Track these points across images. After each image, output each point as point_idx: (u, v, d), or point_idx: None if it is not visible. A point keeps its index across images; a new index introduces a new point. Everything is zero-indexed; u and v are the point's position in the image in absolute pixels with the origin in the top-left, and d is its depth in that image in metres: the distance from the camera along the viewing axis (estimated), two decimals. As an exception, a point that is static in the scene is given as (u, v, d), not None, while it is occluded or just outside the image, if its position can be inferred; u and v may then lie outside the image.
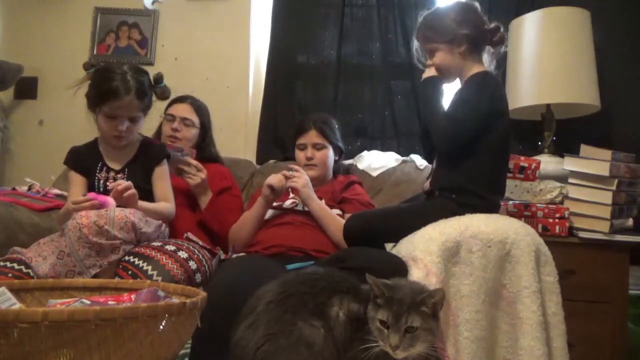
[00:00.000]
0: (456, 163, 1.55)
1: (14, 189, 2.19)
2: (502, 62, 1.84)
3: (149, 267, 1.51)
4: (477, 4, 1.63)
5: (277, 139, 2.66)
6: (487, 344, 1.34)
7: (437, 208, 1.53)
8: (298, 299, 1.08)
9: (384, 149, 2.55)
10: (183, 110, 2.11)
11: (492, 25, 1.62)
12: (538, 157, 2.05)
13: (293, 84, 2.73)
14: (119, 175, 1.78)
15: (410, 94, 2.60)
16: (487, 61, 1.65)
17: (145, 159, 1.82)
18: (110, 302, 1.15)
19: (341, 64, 2.68)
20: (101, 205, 1.56)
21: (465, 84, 1.60)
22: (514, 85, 2.24)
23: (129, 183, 1.64)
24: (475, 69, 1.59)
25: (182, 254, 1.60)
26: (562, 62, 2.13)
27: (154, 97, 1.83)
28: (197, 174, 1.93)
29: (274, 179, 1.79)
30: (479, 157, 1.54)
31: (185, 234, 1.81)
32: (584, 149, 1.89)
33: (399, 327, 1.02)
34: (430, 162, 1.95)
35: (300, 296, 1.09)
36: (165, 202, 1.79)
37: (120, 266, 1.53)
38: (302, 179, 1.80)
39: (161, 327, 0.96)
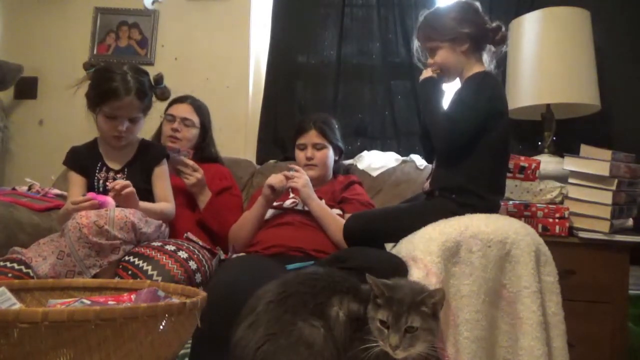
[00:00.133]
0: (456, 163, 1.56)
1: (14, 189, 2.19)
2: (502, 62, 1.85)
3: (149, 267, 1.51)
4: (477, 4, 1.64)
5: (277, 139, 2.66)
6: (487, 344, 1.34)
7: (437, 208, 1.53)
8: (298, 299, 1.08)
9: (384, 149, 2.55)
10: (183, 111, 2.11)
11: (494, 24, 1.62)
12: (538, 157, 2.05)
13: (293, 84, 2.73)
14: (118, 175, 1.78)
15: (410, 94, 2.60)
16: (487, 61, 1.65)
17: (144, 159, 1.83)
18: (110, 302, 1.15)
19: (341, 64, 2.68)
20: (101, 205, 1.56)
21: (464, 84, 1.61)
22: (514, 85, 2.24)
23: (127, 182, 1.64)
24: (476, 69, 1.60)
25: (182, 254, 1.60)
26: (562, 62, 2.13)
27: (153, 98, 1.83)
28: (192, 174, 1.93)
29: (275, 179, 1.79)
30: (478, 157, 1.54)
31: (185, 234, 1.81)
32: (584, 149, 1.89)
33: (399, 327, 1.02)
34: (430, 162, 1.95)
35: (300, 296, 1.09)
36: (166, 202, 1.79)
37: (120, 266, 1.53)
38: (302, 178, 1.81)
39: (161, 327, 0.96)
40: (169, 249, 1.61)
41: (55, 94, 2.79)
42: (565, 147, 2.09)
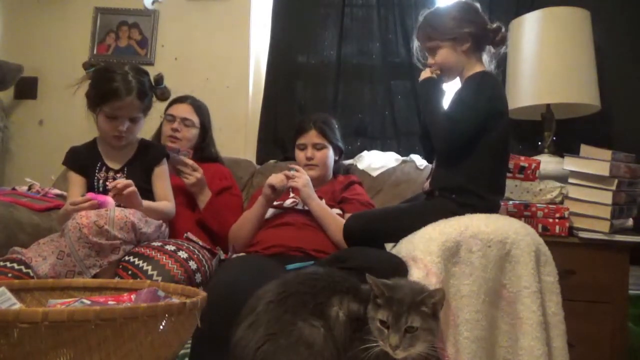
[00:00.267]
0: (456, 163, 1.56)
1: (14, 189, 2.19)
2: (502, 62, 1.84)
3: (149, 267, 1.51)
4: (477, 4, 1.64)
5: (277, 139, 2.66)
6: (487, 344, 1.34)
7: (437, 208, 1.53)
8: (298, 299, 1.08)
9: (384, 149, 2.55)
10: (183, 111, 2.11)
11: (494, 25, 1.62)
12: (538, 157, 2.05)
13: (293, 84, 2.73)
14: (118, 175, 1.78)
15: (410, 94, 2.60)
16: (487, 61, 1.65)
17: (144, 158, 1.83)
18: (110, 302, 1.15)
19: (341, 64, 2.68)
20: (100, 205, 1.56)
21: (464, 84, 1.61)
22: (514, 85, 2.24)
23: (129, 181, 1.64)
24: (476, 69, 1.60)
25: (182, 254, 1.60)
26: (562, 62, 2.13)
27: (153, 98, 1.83)
28: (192, 174, 1.93)
29: (276, 179, 1.79)
30: (478, 157, 1.54)
31: (185, 234, 1.81)
32: (584, 149, 1.89)
33: (399, 327, 1.02)
34: (430, 162, 1.94)
35: (300, 296, 1.09)
36: (166, 201, 1.79)
37: (120, 266, 1.53)
38: (302, 178, 1.81)
39: (161, 327, 0.96)
40: (169, 249, 1.61)
41: (55, 94, 2.79)
42: (565, 147, 2.09)
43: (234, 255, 1.77)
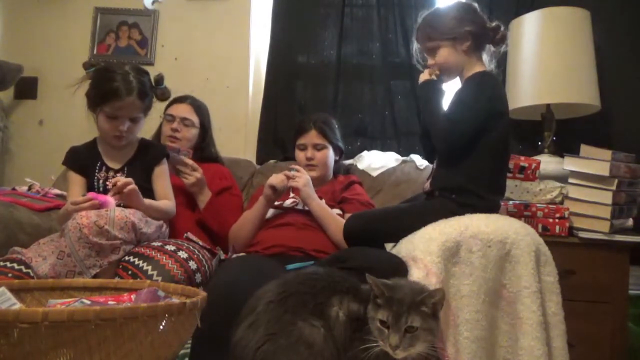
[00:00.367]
0: (456, 163, 1.56)
1: (14, 189, 2.19)
2: (502, 62, 1.85)
3: (149, 267, 1.51)
4: (476, 4, 1.64)
5: (277, 139, 2.66)
6: (487, 344, 1.34)
7: (437, 208, 1.53)
8: (298, 299, 1.08)
9: (384, 149, 2.55)
10: (183, 111, 2.10)
11: (494, 24, 1.62)
12: (538, 157, 2.05)
13: (293, 84, 2.73)
14: (118, 175, 1.78)
15: (410, 94, 2.60)
16: (487, 61, 1.65)
17: (144, 158, 1.83)
18: (110, 302, 1.15)
19: (341, 64, 2.68)
20: (101, 205, 1.56)
21: (464, 84, 1.61)
22: (514, 85, 2.24)
23: (129, 179, 1.64)
24: (476, 68, 1.60)
25: (182, 254, 1.60)
26: (562, 62, 2.13)
27: (154, 98, 1.83)
28: (192, 174, 1.93)
29: (276, 179, 1.79)
30: (479, 157, 1.54)
31: (185, 234, 1.81)
32: (584, 149, 1.89)
33: (399, 327, 1.02)
34: (431, 162, 1.95)
35: (300, 296, 1.09)
36: (167, 200, 1.79)
37: (120, 266, 1.53)
38: (303, 178, 1.81)
39: (161, 327, 0.96)
40: (169, 249, 1.61)
41: (55, 94, 2.79)
42: (565, 147, 2.09)
43: (234, 255, 1.77)
